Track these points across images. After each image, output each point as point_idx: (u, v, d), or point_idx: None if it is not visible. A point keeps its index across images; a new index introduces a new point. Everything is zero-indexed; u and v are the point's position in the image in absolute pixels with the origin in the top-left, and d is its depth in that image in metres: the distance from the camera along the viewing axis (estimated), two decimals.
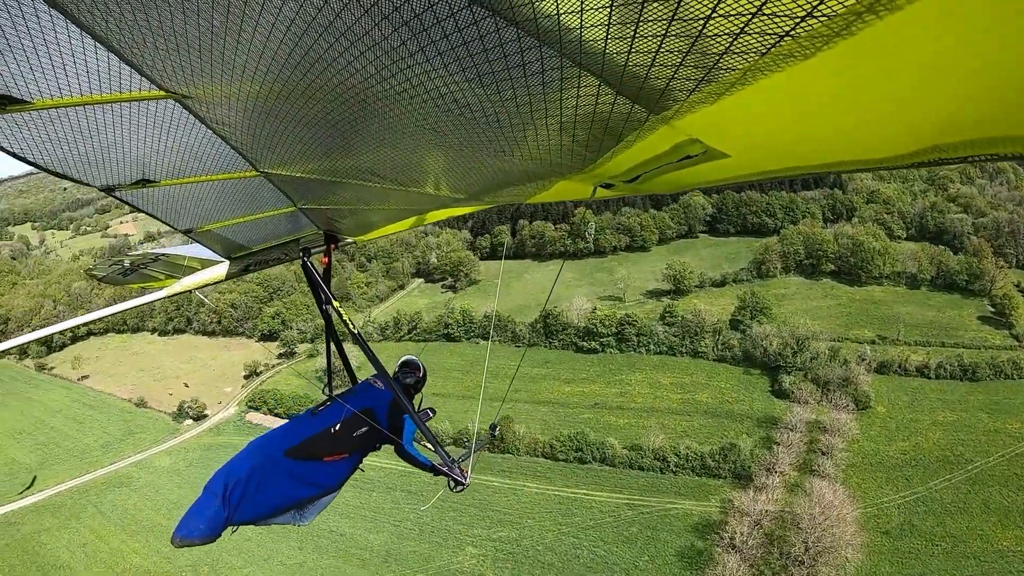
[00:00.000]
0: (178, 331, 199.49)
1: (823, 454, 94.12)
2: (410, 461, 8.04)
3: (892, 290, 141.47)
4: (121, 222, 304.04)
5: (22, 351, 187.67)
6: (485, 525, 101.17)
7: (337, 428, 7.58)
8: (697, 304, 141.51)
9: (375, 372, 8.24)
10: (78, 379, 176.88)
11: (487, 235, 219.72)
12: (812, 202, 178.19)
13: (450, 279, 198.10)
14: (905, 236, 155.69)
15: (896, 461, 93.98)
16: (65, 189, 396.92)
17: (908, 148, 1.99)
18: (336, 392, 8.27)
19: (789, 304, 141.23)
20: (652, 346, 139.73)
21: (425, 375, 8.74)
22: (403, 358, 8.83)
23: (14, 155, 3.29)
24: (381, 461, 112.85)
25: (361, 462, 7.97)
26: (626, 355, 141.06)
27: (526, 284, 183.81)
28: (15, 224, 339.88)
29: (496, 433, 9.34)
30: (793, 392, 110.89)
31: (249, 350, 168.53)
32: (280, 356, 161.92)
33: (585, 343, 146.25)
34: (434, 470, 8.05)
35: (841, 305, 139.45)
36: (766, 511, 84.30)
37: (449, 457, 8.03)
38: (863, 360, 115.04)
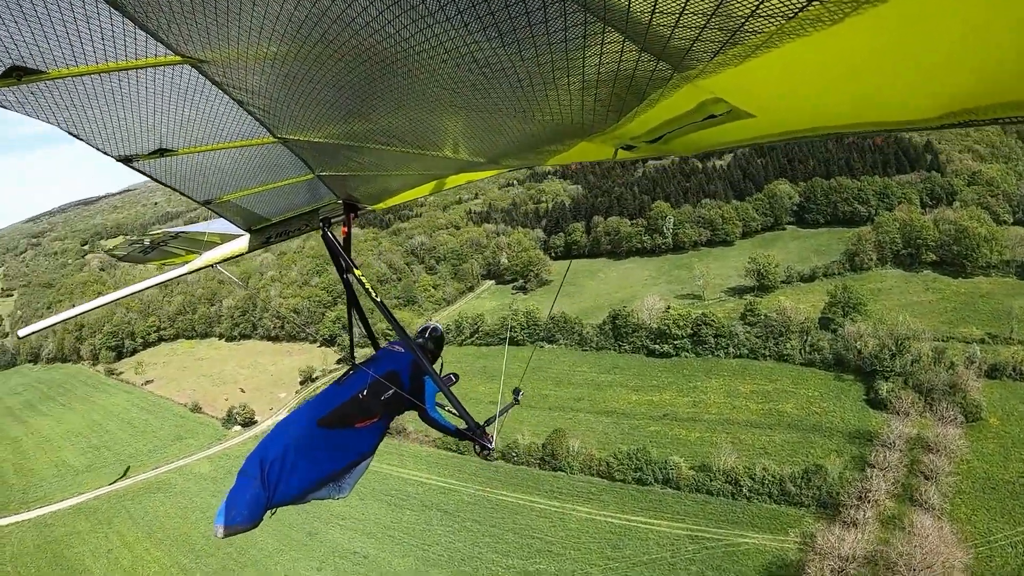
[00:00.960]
0: (244, 336, 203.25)
1: (926, 478, 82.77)
2: (434, 426, 7.95)
3: (1001, 281, 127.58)
4: None
5: (94, 356, 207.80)
6: (523, 555, 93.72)
7: (365, 394, 7.54)
8: (783, 301, 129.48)
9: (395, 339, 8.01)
10: (142, 384, 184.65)
11: (561, 233, 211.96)
12: (908, 186, 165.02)
13: (520, 280, 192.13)
14: (1012, 220, 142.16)
15: (1015, 487, 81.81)
16: (156, 204, 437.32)
17: (938, 111, 1.97)
18: (359, 361, 8.00)
19: (886, 299, 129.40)
20: (731, 349, 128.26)
21: (442, 338, 8.70)
22: (423, 324, 8.59)
23: (31, 115, 3.23)
24: (421, 475, 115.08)
25: (389, 426, 7.89)
26: (702, 359, 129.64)
27: (599, 284, 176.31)
28: (108, 238, 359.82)
29: (519, 399, 9.42)
30: (891, 402, 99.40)
31: (310, 355, 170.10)
32: (339, 361, 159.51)
33: (657, 346, 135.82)
34: (459, 435, 7.95)
35: (944, 299, 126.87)
36: (855, 553, 73.72)
37: (475, 422, 7.84)
38: (972, 363, 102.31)
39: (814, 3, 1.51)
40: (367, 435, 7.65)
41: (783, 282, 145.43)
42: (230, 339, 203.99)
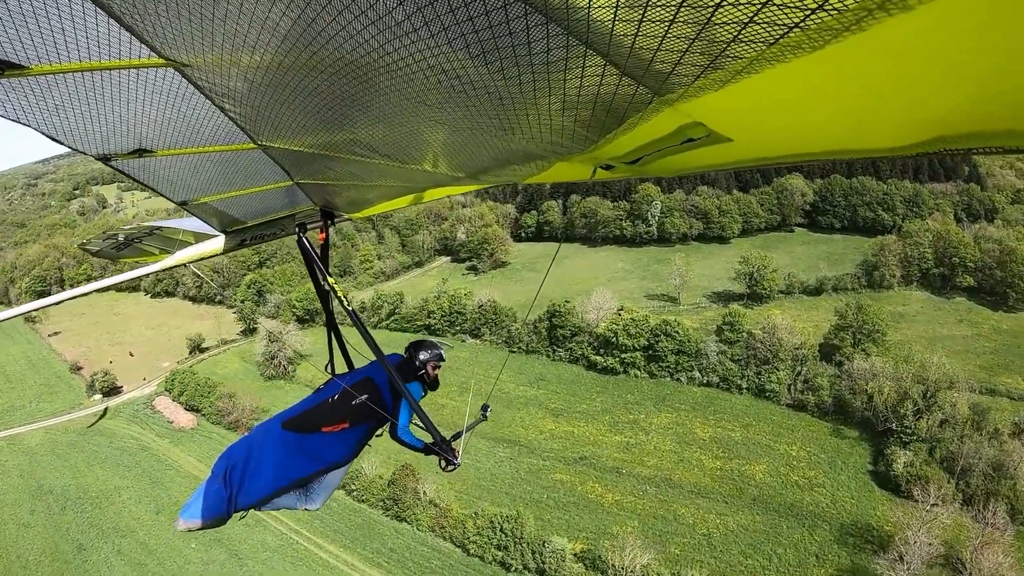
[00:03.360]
0: (167, 294, 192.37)
1: None
2: (401, 443, 7.80)
3: None
4: None
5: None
6: None
7: (335, 398, 7.55)
8: (776, 317, 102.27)
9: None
10: (48, 335, 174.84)
11: (534, 211, 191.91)
12: (942, 196, 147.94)
13: (474, 259, 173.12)
14: None
15: None
16: None
17: (912, 139, 2.03)
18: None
19: (909, 328, 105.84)
20: (697, 373, 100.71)
21: (432, 357, 8.38)
22: (416, 341, 8.62)
23: (8, 118, 3.39)
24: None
25: (368, 438, 7.94)
26: (656, 382, 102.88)
27: (565, 271, 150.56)
28: (103, 184, 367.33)
29: (487, 415, 9.45)
30: (910, 483, 71.13)
31: (223, 321, 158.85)
32: (243, 332, 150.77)
33: (600, 358, 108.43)
34: (426, 450, 7.78)
35: (983, 336, 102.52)
36: None
37: (441, 437, 7.75)
38: (1021, 430, 73.91)
39: (795, 31, 1.53)
40: (336, 442, 7.44)
41: (781, 292, 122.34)
42: (155, 295, 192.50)
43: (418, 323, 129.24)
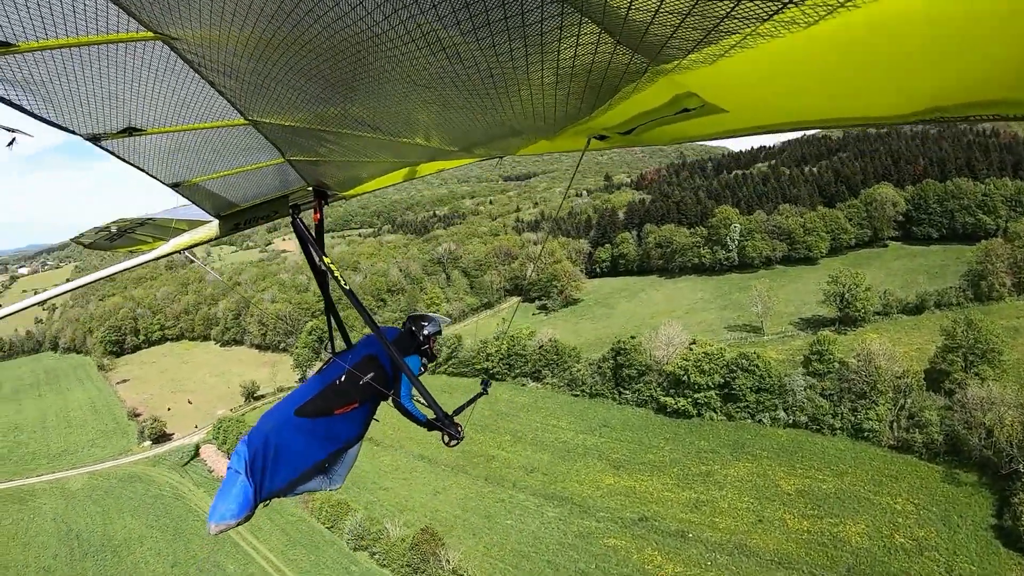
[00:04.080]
0: (236, 342, 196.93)
1: None
2: (405, 414, 8.06)
3: None
4: (284, 239, 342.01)
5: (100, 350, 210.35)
6: None
7: (342, 379, 7.71)
8: (872, 342, 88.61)
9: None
10: (117, 382, 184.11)
11: (608, 244, 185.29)
12: None
13: (543, 298, 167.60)
14: None
15: None
16: None
17: (907, 109, 2.06)
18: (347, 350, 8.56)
19: None
20: (782, 413, 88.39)
21: (431, 331, 8.56)
22: (415, 315, 8.85)
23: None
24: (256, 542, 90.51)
25: (374, 411, 8.12)
26: (736, 424, 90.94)
27: (636, 306, 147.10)
28: None
29: (488, 389, 9.30)
30: None
31: (282, 368, 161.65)
32: (301, 380, 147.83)
33: (670, 399, 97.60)
34: (429, 425, 7.92)
35: None
36: None
37: (443, 411, 7.80)
38: None
39: (789, 7, 1.54)
40: (349, 422, 7.70)
41: (878, 314, 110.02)
42: (224, 344, 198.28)
43: (476, 366, 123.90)
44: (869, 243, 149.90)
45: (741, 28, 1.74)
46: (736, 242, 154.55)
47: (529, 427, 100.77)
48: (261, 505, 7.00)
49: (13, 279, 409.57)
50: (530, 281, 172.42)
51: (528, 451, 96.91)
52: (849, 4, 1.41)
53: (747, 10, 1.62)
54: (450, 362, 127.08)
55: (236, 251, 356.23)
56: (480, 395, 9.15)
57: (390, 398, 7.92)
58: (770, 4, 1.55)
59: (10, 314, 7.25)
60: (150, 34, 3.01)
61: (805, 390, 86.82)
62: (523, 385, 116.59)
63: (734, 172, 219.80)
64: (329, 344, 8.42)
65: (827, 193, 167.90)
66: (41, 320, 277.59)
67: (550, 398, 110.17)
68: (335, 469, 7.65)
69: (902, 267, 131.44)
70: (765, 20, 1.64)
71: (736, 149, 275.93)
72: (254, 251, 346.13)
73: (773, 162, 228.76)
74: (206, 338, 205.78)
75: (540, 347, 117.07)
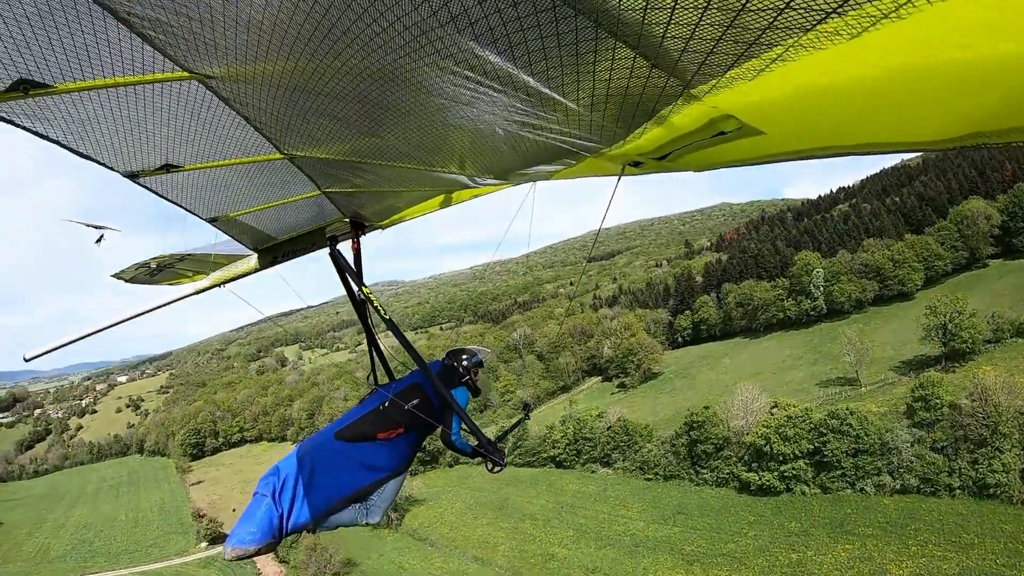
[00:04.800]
0: None
1: None
2: (452, 448, 7.83)
3: None
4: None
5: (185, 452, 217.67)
6: None
7: (386, 404, 7.48)
8: (987, 375, 74.48)
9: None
10: (191, 483, 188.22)
11: (688, 311, 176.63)
12: None
13: (621, 375, 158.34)
14: None
15: None
16: (337, 313, 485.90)
17: (950, 132, 2.02)
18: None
19: None
20: (887, 477, 73.51)
21: (472, 363, 8.22)
22: (455, 348, 8.53)
23: (37, 134, 3.44)
24: None
25: (421, 444, 7.90)
26: (834, 497, 76.09)
27: (717, 374, 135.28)
28: (286, 345, 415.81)
29: (529, 415, 9.51)
30: None
31: None
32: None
33: (753, 475, 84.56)
34: (474, 453, 7.74)
35: None
36: None
37: (487, 439, 7.69)
38: None
39: (832, 16, 1.51)
40: (392, 449, 7.38)
41: (989, 342, 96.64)
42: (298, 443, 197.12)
43: (543, 455, 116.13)
44: (967, 266, 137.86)
45: (783, 39, 1.72)
46: (821, 288, 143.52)
47: (595, 519, 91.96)
48: (290, 537, 6.98)
49: (111, 387, 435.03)
50: (607, 359, 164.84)
51: (591, 548, 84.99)
52: (892, 16, 1.38)
53: (789, 19, 1.59)
54: (516, 452, 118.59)
55: (327, 353, 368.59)
56: (523, 420, 9.41)
57: (439, 432, 7.68)
58: (813, 14, 1.52)
59: (44, 353, 6.98)
60: (185, 73, 3.07)
61: (912, 446, 73.64)
62: (592, 472, 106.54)
63: (814, 218, 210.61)
64: (371, 376, 8.37)
65: (913, 220, 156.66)
66: (132, 425, 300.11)
67: (621, 484, 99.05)
68: (373, 500, 7.17)
69: (1009, 285, 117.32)
70: (808, 30, 1.61)
71: (815, 196, 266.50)
72: (344, 352, 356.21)
73: (854, 200, 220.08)
74: (283, 439, 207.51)
75: (608, 428, 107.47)
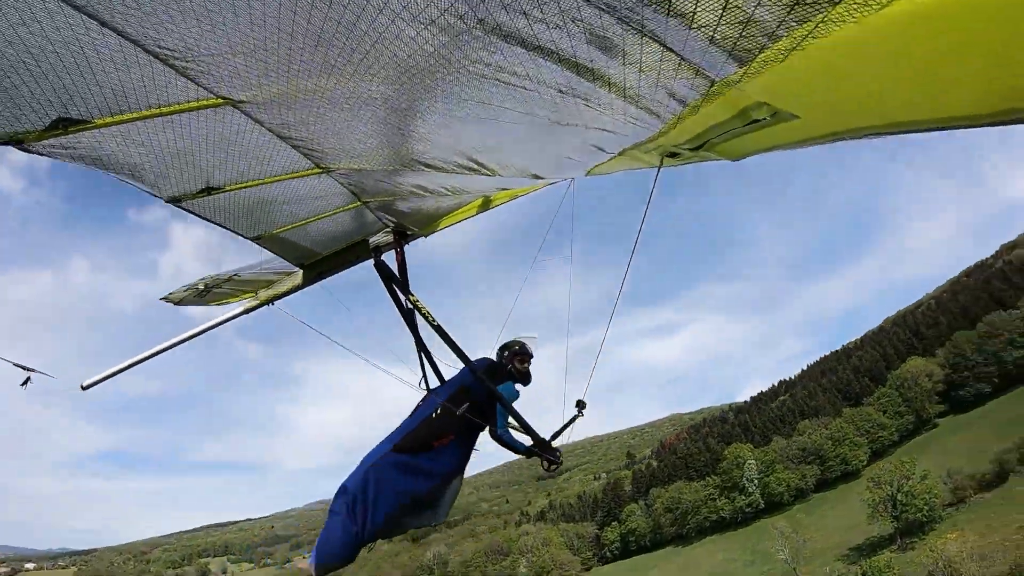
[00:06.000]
0: None
1: None
2: (502, 443, 7.93)
3: None
4: (303, 556, 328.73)
5: None
6: None
7: (438, 412, 7.68)
8: (949, 543, 66.47)
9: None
10: None
11: (616, 523, 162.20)
12: None
13: None
14: None
15: None
16: (272, 527, 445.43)
17: (985, 108, 1.86)
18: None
19: None
20: None
21: (522, 353, 8.38)
22: (505, 343, 8.65)
23: (81, 163, 3.48)
24: None
25: (474, 442, 8.02)
26: None
27: None
28: (214, 556, 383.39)
29: (583, 412, 8.89)
30: None
31: None
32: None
33: None
34: (528, 452, 8.01)
35: None
36: None
37: (540, 438, 8.00)
38: None
39: None
40: (448, 454, 7.65)
41: (949, 506, 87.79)
42: None
43: None
44: (916, 430, 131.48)
45: (812, 15, 1.65)
46: (755, 481, 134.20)
47: None
48: (366, 549, 7.21)
49: (15, 572, 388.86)
50: None
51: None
52: None
53: None
54: None
55: (252, 568, 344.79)
56: (576, 417, 8.86)
57: (487, 429, 7.76)
58: None
59: (101, 380, 6.99)
60: (218, 100, 3.16)
61: None
62: None
63: (751, 412, 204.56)
64: (423, 381, 8.61)
65: (851, 394, 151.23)
66: None
67: None
68: (439, 502, 7.67)
69: (963, 440, 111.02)
70: (838, 2, 1.55)
71: (756, 393, 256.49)
72: (271, 568, 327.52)
73: (795, 389, 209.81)
74: None
75: None
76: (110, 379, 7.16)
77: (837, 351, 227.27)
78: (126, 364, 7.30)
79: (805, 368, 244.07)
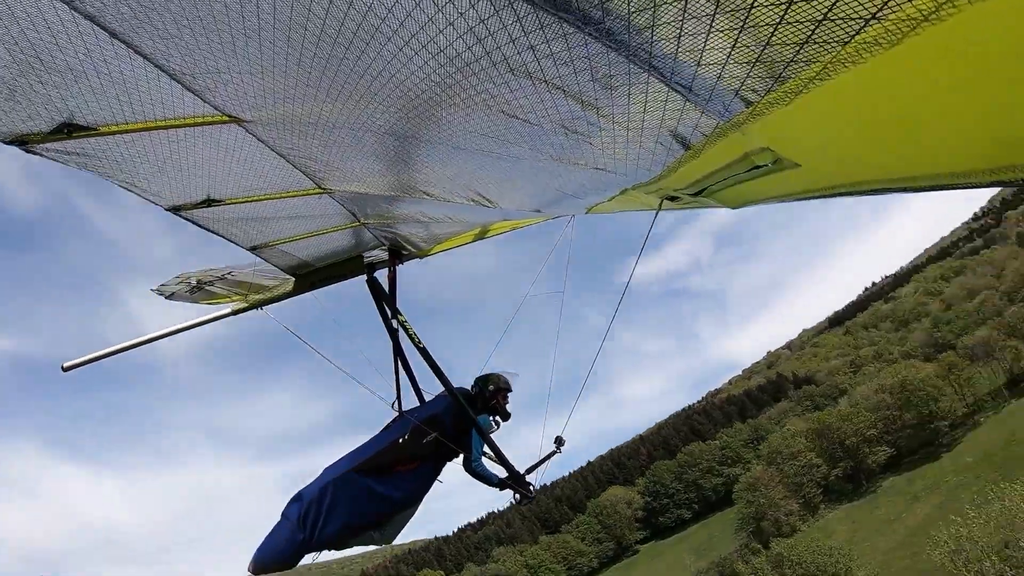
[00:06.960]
0: None
1: None
2: (476, 476, 7.97)
3: None
4: None
5: None
6: None
7: (405, 437, 7.67)
8: None
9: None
10: None
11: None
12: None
13: None
14: None
15: None
16: None
17: (991, 162, 1.75)
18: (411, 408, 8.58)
19: None
20: None
21: (502, 387, 8.35)
22: (483, 375, 8.64)
23: (84, 168, 3.58)
24: None
25: (438, 473, 8.03)
26: None
27: None
28: None
29: (560, 448, 8.90)
30: None
31: None
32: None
33: None
34: (502, 485, 8.00)
35: None
36: None
37: (516, 470, 8.03)
38: None
39: (871, 24, 1.37)
40: (410, 481, 7.67)
41: None
42: None
43: None
44: (616, 556, 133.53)
45: (821, 55, 1.57)
46: None
47: None
48: (311, 557, 7.13)
49: None
50: None
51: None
52: (933, 18, 1.24)
53: (827, 33, 1.47)
54: None
55: None
56: (553, 453, 8.80)
57: (462, 460, 7.83)
58: (853, 23, 1.39)
59: (82, 364, 6.73)
60: (224, 117, 3.24)
61: None
62: None
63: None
64: (397, 403, 8.42)
65: (550, 522, 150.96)
66: None
67: None
68: (388, 526, 7.59)
69: (662, 567, 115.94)
70: (847, 42, 1.47)
71: (462, 524, 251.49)
72: None
73: (497, 521, 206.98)
74: None
75: None
76: (92, 363, 6.93)
77: (545, 486, 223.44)
78: (109, 350, 7.07)
79: (511, 504, 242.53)
